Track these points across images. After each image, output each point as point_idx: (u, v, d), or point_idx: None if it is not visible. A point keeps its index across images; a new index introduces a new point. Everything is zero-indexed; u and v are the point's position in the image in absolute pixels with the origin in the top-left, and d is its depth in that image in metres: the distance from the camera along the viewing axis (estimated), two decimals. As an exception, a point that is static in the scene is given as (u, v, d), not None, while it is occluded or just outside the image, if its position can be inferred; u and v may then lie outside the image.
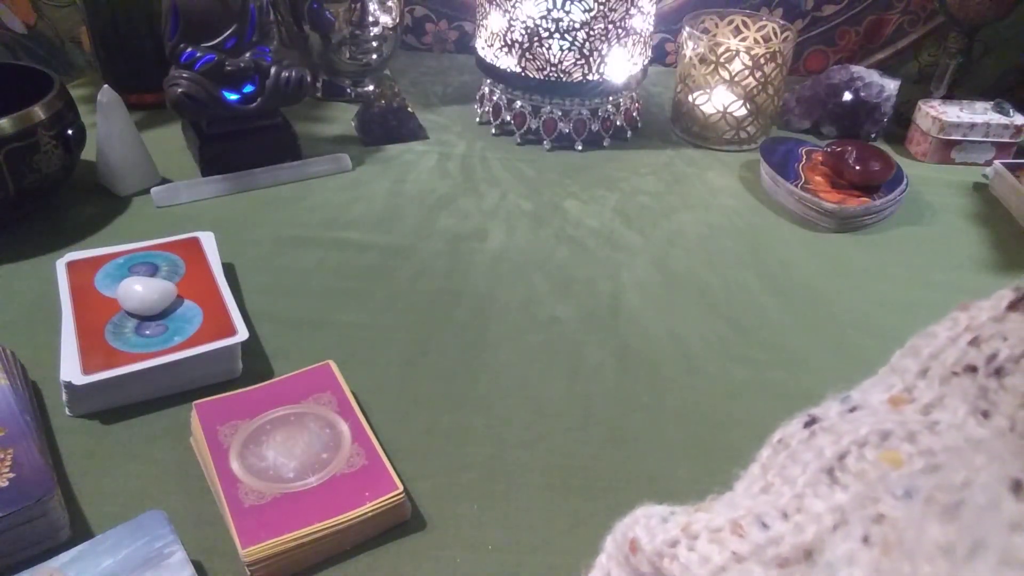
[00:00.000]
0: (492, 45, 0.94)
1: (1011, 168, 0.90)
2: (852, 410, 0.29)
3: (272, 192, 0.85)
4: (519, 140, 0.97)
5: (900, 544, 0.20)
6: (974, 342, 0.28)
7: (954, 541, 0.18)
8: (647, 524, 0.29)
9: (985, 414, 0.26)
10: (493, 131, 0.99)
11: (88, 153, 0.80)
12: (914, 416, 0.27)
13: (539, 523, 0.51)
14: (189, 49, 0.79)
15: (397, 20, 1.00)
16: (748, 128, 0.96)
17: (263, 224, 0.80)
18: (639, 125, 1.02)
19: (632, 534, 0.29)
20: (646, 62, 0.97)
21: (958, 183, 0.93)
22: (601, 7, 0.87)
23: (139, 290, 0.61)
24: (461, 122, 1.02)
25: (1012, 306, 0.27)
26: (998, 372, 0.26)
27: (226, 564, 0.47)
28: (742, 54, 0.92)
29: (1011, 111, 0.95)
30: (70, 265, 0.65)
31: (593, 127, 0.96)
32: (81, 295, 0.62)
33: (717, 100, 0.95)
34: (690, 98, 0.97)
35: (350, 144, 0.95)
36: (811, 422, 0.30)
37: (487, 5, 0.92)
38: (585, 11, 0.87)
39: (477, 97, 1.03)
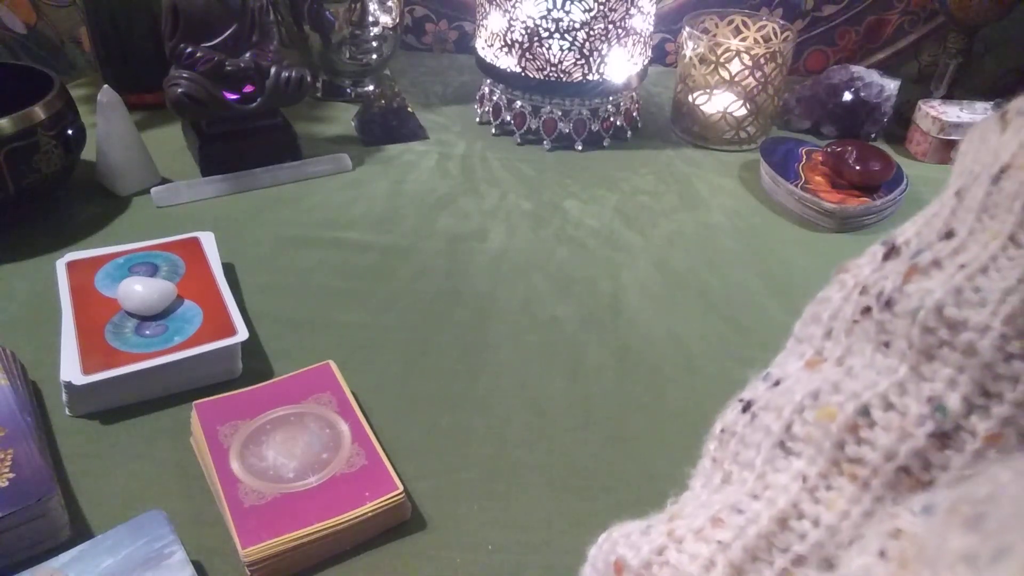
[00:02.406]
0: (492, 45, 0.94)
1: (1011, 168, 0.90)
2: (777, 383, 0.31)
3: (272, 192, 0.85)
4: (519, 140, 0.97)
5: (920, 556, 0.20)
6: (863, 291, 0.30)
7: (977, 548, 0.18)
8: (628, 541, 0.30)
9: (886, 344, 0.28)
10: (493, 131, 0.99)
11: (88, 153, 0.80)
12: (832, 370, 0.29)
13: (539, 523, 0.51)
14: (189, 49, 0.79)
15: (397, 20, 1.00)
16: (748, 128, 0.96)
17: (263, 224, 0.80)
18: (639, 125, 1.03)
19: (614, 556, 0.30)
20: (646, 62, 0.97)
21: (958, 183, 0.93)
22: (601, 7, 0.87)
23: (139, 290, 0.61)
24: (461, 122, 1.02)
25: (886, 256, 0.30)
26: (888, 303, 0.28)
27: (226, 564, 0.47)
28: (742, 54, 0.92)
29: (1011, 111, 0.95)
30: (70, 265, 0.65)
31: (593, 127, 0.96)
32: (81, 295, 0.62)
33: (717, 100, 0.95)
34: (690, 98, 0.97)
35: (350, 144, 0.95)
36: (747, 406, 0.31)
37: (487, 5, 0.92)
38: (585, 11, 0.87)
39: (477, 97, 1.03)
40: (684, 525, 0.29)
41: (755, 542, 0.27)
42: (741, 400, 0.32)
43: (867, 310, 0.29)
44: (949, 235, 0.28)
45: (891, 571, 0.21)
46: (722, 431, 0.32)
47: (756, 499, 0.28)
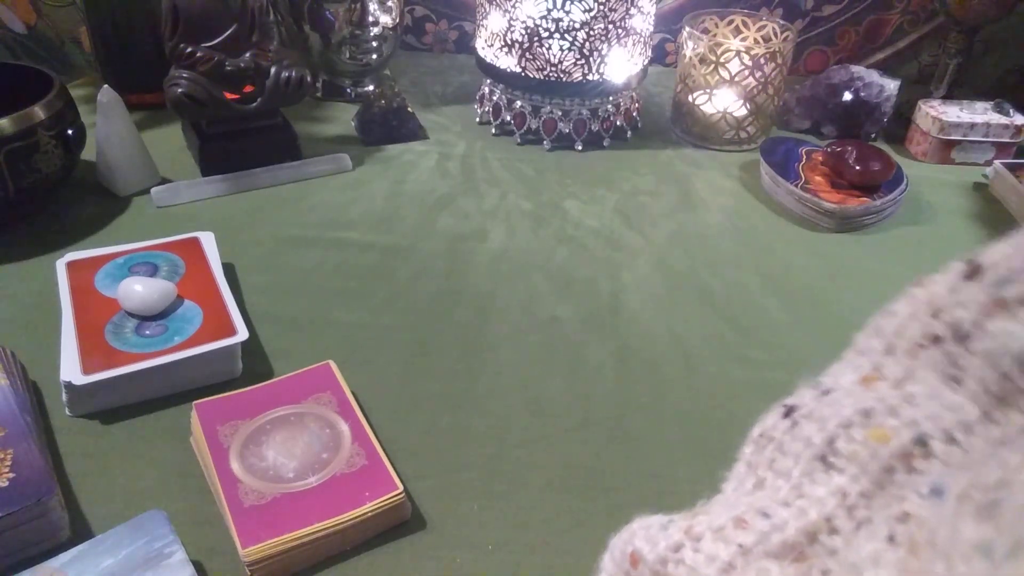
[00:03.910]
0: (492, 45, 0.94)
1: (1011, 168, 0.90)
2: (826, 394, 0.29)
3: (272, 192, 0.85)
4: (519, 140, 0.97)
5: (931, 544, 0.20)
6: (935, 314, 0.28)
7: (992, 540, 0.18)
8: (647, 534, 0.29)
9: (956, 380, 0.26)
10: (493, 131, 0.99)
11: (88, 153, 0.80)
12: (889, 392, 0.28)
13: (539, 523, 0.51)
14: (189, 49, 0.79)
15: (397, 20, 1.00)
16: (748, 128, 0.96)
17: (263, 224, 0.80)
18: (639, 125, 1.02)
19: (631, 547, 0.29)
20: (646, 62, 0.97)
21: (958, 183, 0.93)
22: (601, 7, 0.87)
23: (139, 290, 0.61)
24: (461, 122, 1.02)
25: (967, 277, 0.28)
26: (963, 338, 0.26)
27: (226, 564, 0.47)
28: (742, 54, 0.92)
29: (1011, 111, 0.95)
30: (70, 265, 0.65)
31: (593, 127, 0.96)
32: (81, 295, 0.62)
33: (717, 100, 0.95)
34: (690, 98, 0.97)
35: (350, 144, 0.95)
36: (790, 412, 0.30)
37: (487, 5, 0.92)
38: (585, 11, 0.87)
39: (477, 97, 1.03)
40: (704, 523, 0.28)
41: (778, 551, 0.26)
42: (784, 405, 0.31)
43: (937, 339, 0.27)
44: None
45: (900, 557, 0.21)
46: (760, 435, 0.31)
47: (787, 507, 0.27)
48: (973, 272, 0.27)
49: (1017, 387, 0.24)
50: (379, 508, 0.48)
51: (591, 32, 0.88)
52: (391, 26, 1.00)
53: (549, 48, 0.89)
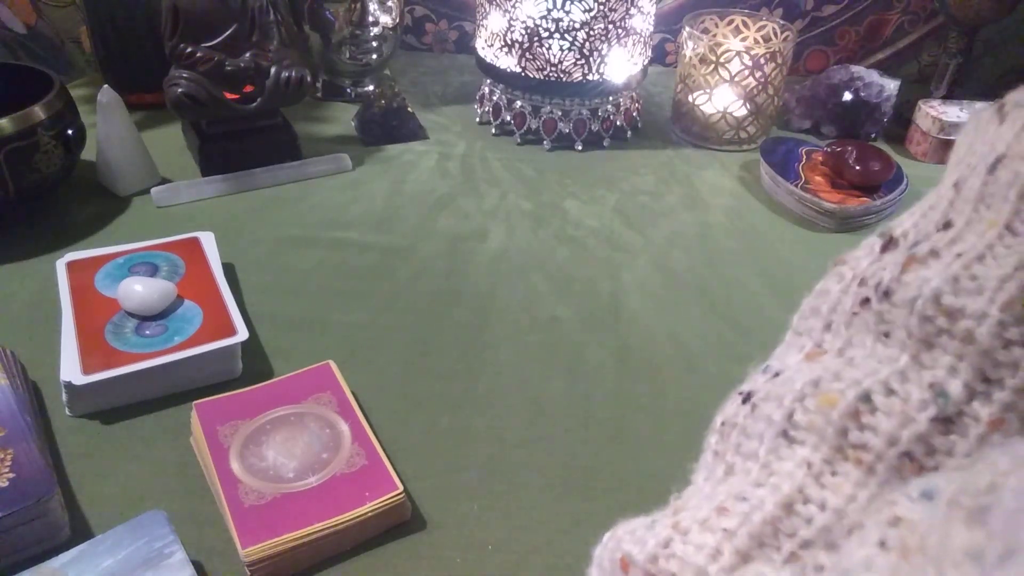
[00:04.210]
0: (492, 45, 0.94)
1: (1011, 168, 0.90)
2: (776, 375, 0.31)
3: (272, 192, 0.85)
4: (519, 140, 0.97)
5: (922, 549, 0.20)
6: (862, 282, 0.30)
7: (983, 546, 0.18)
8: (633, 537, 0.30)
9: (886, 334, 0.28)
10: (493, 131, 0.99)
11: (88, 153, 0.80)
12: (832, 360, 0.29)
13: (539, 523, 0.51)
14: (189, 49, 0.79)
15: (397, 20, 1.00)
16: (748, 128, 0.96)
17: (263, 224, 0.80)
18: (639, 125, 1.02)
19: (619, 553, 0.30)
20: (646, 62, 0.97)
21: (958, 183, 0.93)
22: (601, 7, 0.87)
23: (139, 290, 0.61)
24: (461, 122, 1.02)
25: (884, 248, 0.30)
26: (886, 294, 0.28)
27: (226, 564, 0.47)
28: (742, 54, 0.92)
29: (1011, 111, 0.95)
30: (70, 265, 0.65)
31: (593, 127, 0.96)
32: (81, 295, 0.62)
33: (717, 100, 0.95)
34: (690, 98, 0.97)
35: (350, 144, 0.95)
36: (748, 397, 0.31)
37: (487, 5, 0.92)
38: (585, 11, 0.87)
39: (477, 97, 1.03)
40: (689, 516, 0.29)
41: (760, 528, 0.27)
42: (740, 393, 0.32)
43: (866, 301, 0.29)
44: (947, 226, 0.28)
45: (892, 561, 0.21)
46: (723, 424, 0.32)
47: (760, 487, 0.28)
48: (888, 243, 0.30)
49: (937, 327, 0.26)
50: (379, 508, 0.48)
51: (591, 32, 0.88)
52: (391, 26, 1.00)
53: (549, 48, 0.89)
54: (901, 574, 0.20)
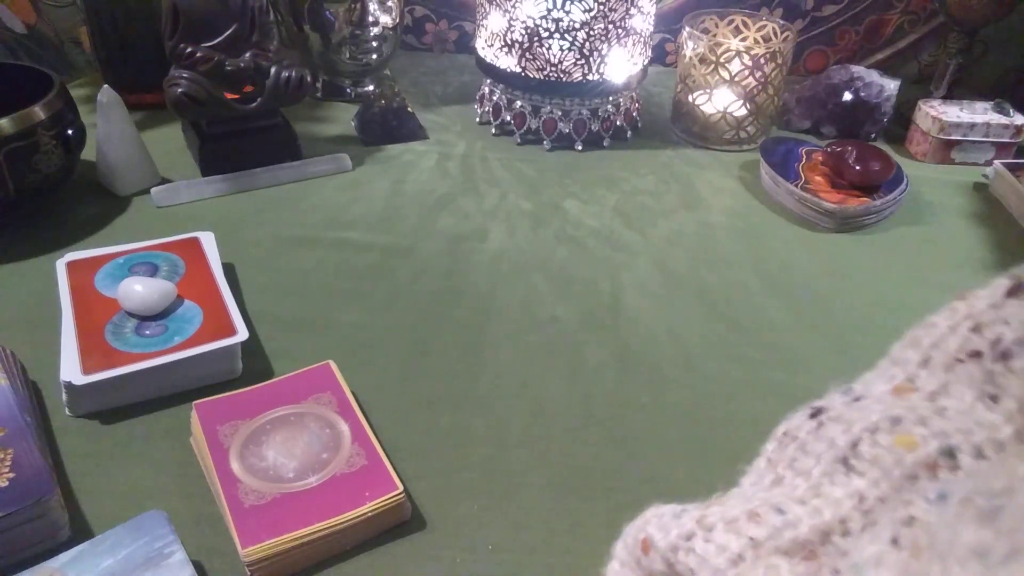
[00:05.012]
0: (492, 45, 0.94)
1: (1011, 168, 0.90)
2: (856, 400, 0.29)
3: (272, 192, 0.85)
4: (519, 140, 0.97)
5: (931, 546, 0.20)
6: (975, 329, 0.28)
7: (990, 544, 0.18)
8: (659, 522, 0.29)
9: (993, 398, 0.26)
10: (493, 131, 0.99)
11: (88, 153, 0.80)
12: (921, 402, 0.28)
13: (539, 523, 0.51)
14: (189, 49, 0.79)
15: (397, 20, 1.00)
16: (748, 128, 0.96)
17: (263, 224, 0.80)
18: (639, 125, 1.02)
19: (643, 534, 0.29)
20: (646, 62, 0.97)
21: (958, 183, 0.93)
22: (601, 7, 0.87)
23: (139, 290, 0.61)
24: (461, 122, 1.02)
25: (1010, 293, 0.27)
26: (1004, 356, 0.26)
27: (226, 564, 0.47)
28: (742, 54, 0.92)
29: (1011, 111, 0.95)
30: (70, 265, 0.65)
31: (593, 127, 0.96)
32: (81, 295, 0.62)
33: (717, 100, 0.95)
34: (690, 98, 0.97)
35: (350, 144, 0.95)
36: (817, 413, 0.30)
37: (487, 5, 0.92)
38: (585, 11, 0.87)
39: (477, 97, 1.03)
40: (717, 512, 0.28)
41: (789, 547, 0.26)
42: (812, 407, 0.31)
43: (977, 354, 0.27)
44: None
45: (903, 559, 0.21)
46: (784, 434, 0.31)
47: (802, 504, 0.27)
48: (1017, 288, 0.27)
49: None
50: (379, 508, 0.48)
51: (591, 32, 0.88)
52: (391, 26, 1.00)
53: (549, 48, 0.89)
54: (910, 571, 0.20)
